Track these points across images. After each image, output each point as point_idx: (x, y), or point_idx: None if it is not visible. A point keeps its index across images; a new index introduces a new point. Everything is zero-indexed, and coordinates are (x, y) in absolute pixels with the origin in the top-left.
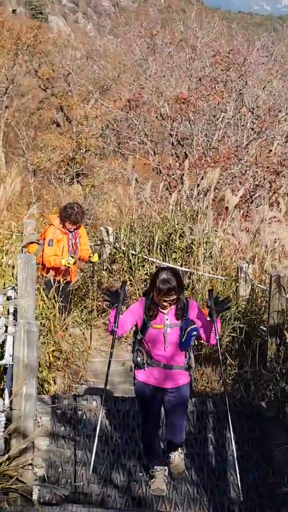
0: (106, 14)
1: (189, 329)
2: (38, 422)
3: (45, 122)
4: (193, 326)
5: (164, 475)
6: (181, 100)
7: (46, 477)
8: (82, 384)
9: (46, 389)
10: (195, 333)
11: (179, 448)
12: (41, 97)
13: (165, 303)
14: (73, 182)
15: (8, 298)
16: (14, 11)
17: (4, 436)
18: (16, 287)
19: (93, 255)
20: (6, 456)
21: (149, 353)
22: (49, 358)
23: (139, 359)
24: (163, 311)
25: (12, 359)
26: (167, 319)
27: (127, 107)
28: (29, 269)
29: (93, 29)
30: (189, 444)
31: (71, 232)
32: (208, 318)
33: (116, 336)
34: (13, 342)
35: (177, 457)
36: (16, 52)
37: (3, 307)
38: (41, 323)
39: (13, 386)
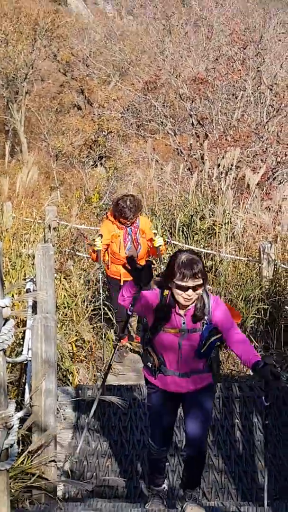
0: None
1: (212, 339)
2: (62, 415)
3: (66, 106)
4: (216, 336)
5: (162, 497)
6: (199, 80)
7: (70, 472)
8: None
9: (70, 380)
10: (218, 343)
11: (195, 491)
12: (62, 81)
13: (188, 294)
14: (96, 165)
15: (28, 291)
16: None
17: (25, 433)
18: (34, 279)
19: (156, 238)
20: (26, 452)
21: (161, 358)
22: (72, 349)
23: (149, 364)
24: (180, 312)
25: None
26: (183, 323)
27: (145, 89)
28: (48, 260)
29: (112, 10)
30: (215, 431)
31: (128, 226)
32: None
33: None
34: (31, 337)
35: (195, 507)
36: (34, 37)
37: (23, 301)
38: (62, 312)
39: (32, 381)
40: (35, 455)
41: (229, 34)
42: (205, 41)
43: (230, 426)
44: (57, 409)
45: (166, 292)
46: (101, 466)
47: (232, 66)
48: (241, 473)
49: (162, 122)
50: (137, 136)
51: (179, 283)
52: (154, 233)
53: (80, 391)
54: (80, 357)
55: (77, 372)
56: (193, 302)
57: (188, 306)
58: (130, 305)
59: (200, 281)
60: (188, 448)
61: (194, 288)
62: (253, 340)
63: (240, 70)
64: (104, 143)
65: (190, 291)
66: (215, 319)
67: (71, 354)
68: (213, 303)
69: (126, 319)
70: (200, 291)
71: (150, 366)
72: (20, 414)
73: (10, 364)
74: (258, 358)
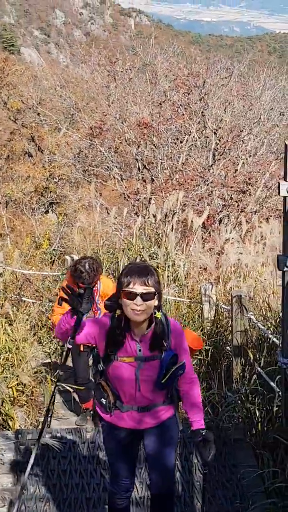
0: (77, 43)
1: (174, 368)
2: (1, 459)
3: (17, 153)
4: (179, 364)
5: None
6: (143, 125)
7: None
8: (50, 417)
9: (10, 425)
10: (181, 372)
11: None
12: (12, 129)
13: (137, 302)
14: (48, 211)
15: None
16: None
17: None
18: None
19: None
20: None
21: (117, 392)
22: (13, 393)
23: (103, 400)
24: (135, 337)
25: None
26: (139, 350)
27: (91, 134)
28: None
29: (65, 59)
30: None
31: None
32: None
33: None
34: None
35: None
36: None
37: None
38: (4, 357)
39: None
40: None
41: (173, 80)
42: (149, 86)
43: None
44: None
45: (118, 312)
46: (39, 510)
47: (177, 110)
48: None
49: (108, 167)
50: (88, 182)
51: (126, 289)
52: None
53: (19, 436)
54: (21, 402)
55: (17, 417)
56: (145, 319)
57: (142, 324)
58: (70, 338)
59: (151, 290)
60: (155, 488)
61: (144, 297)
62: None
63: (184, 114)
64: (55, 190)
65: (138, 300)
66: (174, 345)
67: (12, 398)
68: (172, 327)
69: (66, 352)
70: (152, 303)
71: (104, 402)
72: None
73: None
74: (200, 425)
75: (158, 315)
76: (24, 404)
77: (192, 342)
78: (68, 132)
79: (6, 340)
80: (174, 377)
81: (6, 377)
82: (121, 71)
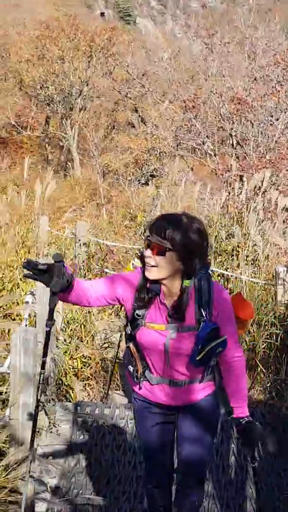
0: (194, 15)
1: (213, 344)
2: (57, 430)
3: (122, 123)
4: (220, 340)
5: None
6: (237, 100)
7: (56, 488)
8: (116, 390)
9: (72, 396)
10: (220, 349)
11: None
12: (116, 99)
13: (146, 253)
14: (148, 184)
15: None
16: (102, 14)
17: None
18: (35, 293)
19: None
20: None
21: (145, 361)
22: (77, 365)
23: (131, 367)
24: (165, 301)
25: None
26: (170, 316)
27: (184, 108)
28: None
29: (181, 31)
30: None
31: None
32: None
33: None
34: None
35: None
36: (90, 54)
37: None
38: (72, 328)
39: (10, 395)
40: (11, 469)
41: (273, 55)
42: (247, 60)
43: (225, 452)
44: (53, 424)
45: None
46: (88, 485)
47: (274, 87)
48: (229, 499)
49: (201, 142)
50: (181, 157)
51: (145, 239)
52: None
53: (78, 408)
54: (85, 374)
55: (82, 389)
56: (159, 279)
57: (170, 287)
58: (47, 319)
59: (167, 245)
60: (182, 475)
61: (155, 250)
62: (259, 364)
63: (279, 91)
64: (155, 162)
65: (148, 251)
66: (216, 315)
67: (75, 370)
68: (216, 293)
69: (45, 335)
70: (166, 261)
71: (131, 370)
72: None
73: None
74: (241, 412)
75: (186, 283)
76: (89, 377)
77: (243, 311)
78: (170, 105)
79: (76, 311)
80: (212, 354)
81: (71, 348)
82: (220, 44)
